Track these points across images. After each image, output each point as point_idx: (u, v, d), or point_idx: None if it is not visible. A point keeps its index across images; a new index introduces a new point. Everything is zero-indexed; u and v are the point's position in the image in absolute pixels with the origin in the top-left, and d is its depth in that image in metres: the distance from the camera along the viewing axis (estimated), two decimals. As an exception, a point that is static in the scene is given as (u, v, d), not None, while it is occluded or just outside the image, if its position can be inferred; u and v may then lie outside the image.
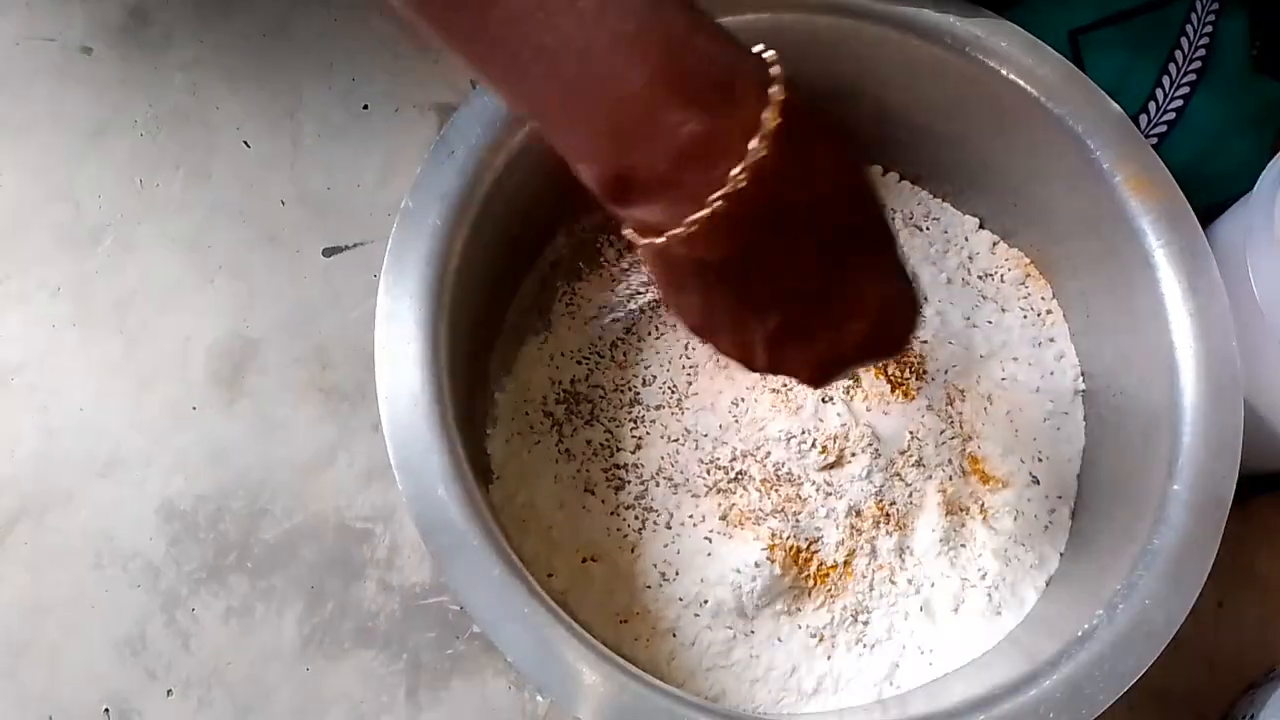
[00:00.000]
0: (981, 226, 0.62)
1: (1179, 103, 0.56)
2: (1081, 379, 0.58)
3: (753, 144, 0.30)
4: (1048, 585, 0.54)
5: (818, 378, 0.40)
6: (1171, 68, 0.56)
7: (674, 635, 0.52)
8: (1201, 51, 0.56)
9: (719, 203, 0.31)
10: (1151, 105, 0.56)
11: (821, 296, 0.36)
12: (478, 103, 0.52)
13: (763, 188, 0.31)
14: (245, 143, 0.68)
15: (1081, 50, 0.55)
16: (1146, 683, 0.58)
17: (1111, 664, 0.46)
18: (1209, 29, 0.56)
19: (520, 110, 0.34)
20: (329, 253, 0.66)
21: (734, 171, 0.30)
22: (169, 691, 0.58)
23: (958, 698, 0.48)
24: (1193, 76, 0.56)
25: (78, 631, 0.58)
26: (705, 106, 0.30)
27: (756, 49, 0.32)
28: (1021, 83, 0.54)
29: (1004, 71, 0.54)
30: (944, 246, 0.61)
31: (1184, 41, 0.56)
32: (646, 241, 0.33)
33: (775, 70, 0.32)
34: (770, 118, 0.30)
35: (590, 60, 0.30)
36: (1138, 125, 0.55)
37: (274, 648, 0.58)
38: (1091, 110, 0.53)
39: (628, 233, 0.35)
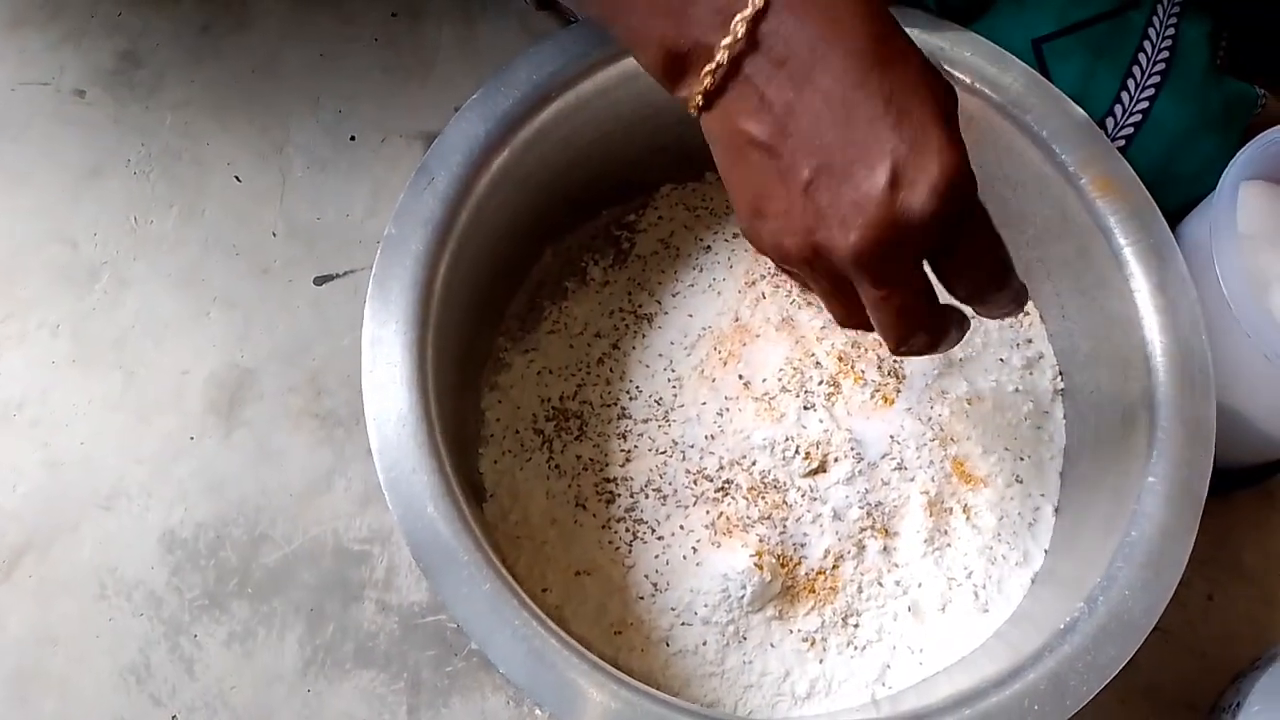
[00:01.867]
0: None
1: (1144, 105, 0.57)
2: (1060, 378, 0.59)
3: (743, 11, 0.36)
4: (1033, 582, 0.55)
5: (867, 264, 0.37)
6: (1136, 71, 0.57)
7: (667, 644, 0.53)
8: (1164, 54, 0.57)
9: (735, 48, 0.37)
10: (1117, 109, 0.57)
11: (847, 140, 0.36)
12: (457, 129, 0.53)
13: (768, 31, 0.37)
14: (236, 178, 0.70)
15: (1045, 59, 0.56)
16: (1138, 676, 0.59)
17: (1093, 656, 0.46)
18: (1171, 32, 0.57)
19: (587, 12, 0.42)
20: (320, 282, 0.67)
21: (739, 16, 0.36)
22: (174, 717, 0.59)
23: (946, 694, 0.48)
24: (1157, 79, 0.57)
25: (84, 661, 0.60)
26: (714, 19, 0.37)
27: None
28: (987, 90, 0.55)
29: (969, 80, 0.55)
30: None
31: (1146, 45, 0.57)
32: (705, 114, 0.39)
33: None
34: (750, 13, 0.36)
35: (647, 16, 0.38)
36: (1104, 130, 0.56)
37: (276, 670, 0.59)
38: (1056, 115, 0.54)
39: (692, 110, 0.40)
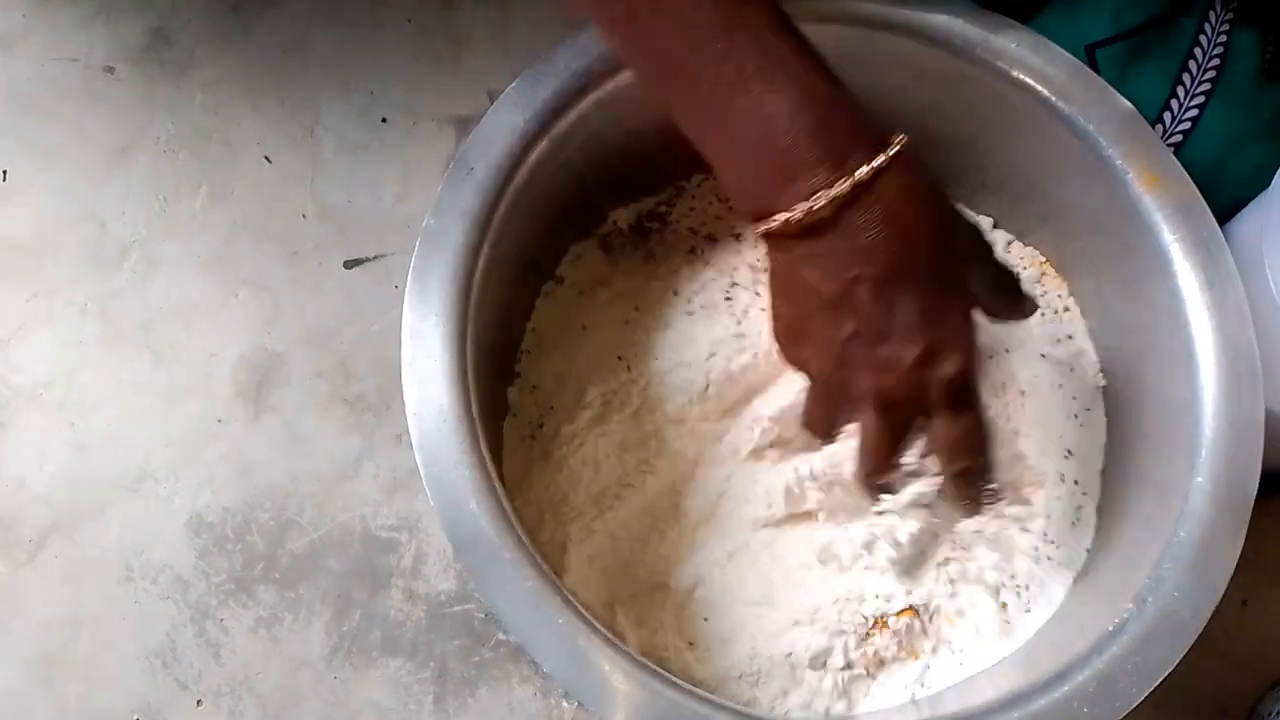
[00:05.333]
0: (995, 226, 0.62)
1: (1194, 112, 0.56)
2: (1101, 375, 0.58)
3: (861, 171, 0.41)
4: (1075, 582, 0.54)
5: (881, 408, 0.46)
6: (1186, 78, 0.57)
7: (698, 643, 0.53)
8: (1215, 61, 0.57)
9: (822, 205, 0.41)
10: (1167, 115, 0.56)
11: (885, 318, 0.44)
12: (494, 119, 0.52)
13: (850, 215, 0.41)
14: (266, 159, 0.69)
15: (1098, 64, 0.55)
16: (1172, 680, 0.58)
17: (1143, 657, 0.46)
18: (1222, 39, 0.57)
19: (702, 153, 0.45)
20: (350, 265, 0.67)
21: (834, 190, 0.41)
22: (199, 702, 0.58)
23: (990, 695, 0.48)
24: (1207, 86, 0.57)
25: (110, 643, 0.59)
26: (833, 165, 0.41)
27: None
28: (1030, 81, 0.54)
29: (1013, 72, 0.54)
30: None
31: (1197, 52, 0.57)
32: (764, 230, 0.43)
33: (896, 140, 0.42)
34: (865, 173, 0.41)
35: (759, 138, 0.42)
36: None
37: (302, 657, 0.59)
38: (1101, 107, 0.53)
39: (757, 229, 0.44)
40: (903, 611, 0.53)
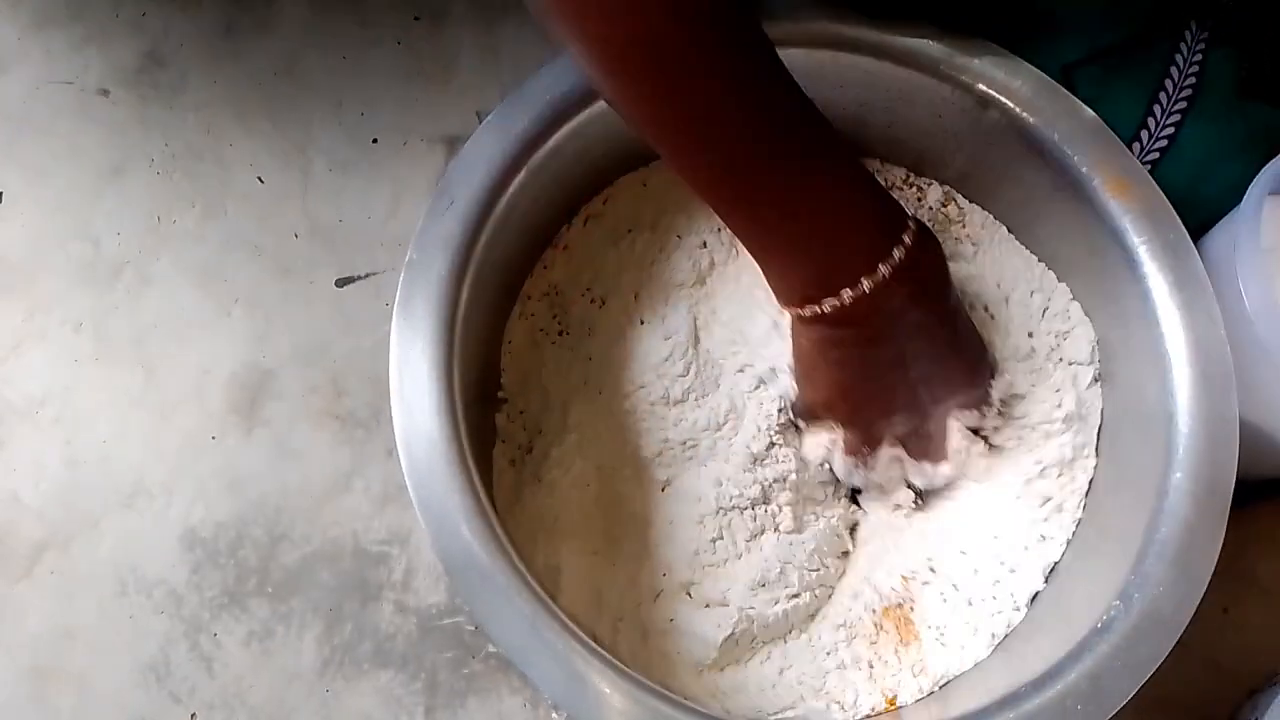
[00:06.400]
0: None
1: (1170, 130, 0.57)
2: (1098, 364, 0.59)
3: (884, 268, 0.44)
4: (1058, 582, 0.55)
5: (859, 442, 0.52)
6: (1162, 97, 0.57)
7: (679, 651, 0.53)
8: (1191, 80, 0.58)
9: (843, 308, 0.45)
10: (1144, 134, 0.57)
11: (891, 395, 0.49)
12: (473, 148, 0.53)
13: (875, 298, 0.44)
14: (258, 178, 0.70)
15: (1074, 84, 0.56)
16: (1154, 689, 0.59)
17: (1130, 654, 0.47)
18: (1198, 59, 0.58)
19: (748, 248, 0.48)
20: (341, 283, 0.67)
21: (860, 288, 0.44)
22: (193, 715, 0.59)
23: (982, 699, 0.48)
24: (1183, 105, 0.57)
25: (104, 658, 0.60)
26: (864, 268, 0.44)
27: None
28: (995, 95, 0.55)
29: (979, 86, 0.55)
30: None
31: (1174, 71, 0.58)
32: (813, 313, 0.46)
33: (914, 227, 0.46)
34: (900, 253, 0.44)
35: (799, 244, 0.45)
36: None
37: (294, 670, 0.60)
38: (1066, 117, 0.55)
39: (792, 311, 0.47)
40: (891, 610, 0.54)
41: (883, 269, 0.44)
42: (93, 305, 0.67)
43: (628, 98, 0.41)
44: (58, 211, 0.69)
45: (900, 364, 0.49)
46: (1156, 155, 0.57)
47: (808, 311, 0.46)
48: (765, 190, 0.43)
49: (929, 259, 0.47)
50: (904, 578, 0.55)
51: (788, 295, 0.47)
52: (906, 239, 0.44)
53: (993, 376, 0.53)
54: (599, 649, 0.46)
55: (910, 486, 0.56)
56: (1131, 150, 0.56)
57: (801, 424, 0.55)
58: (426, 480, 0.47)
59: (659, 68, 0.39)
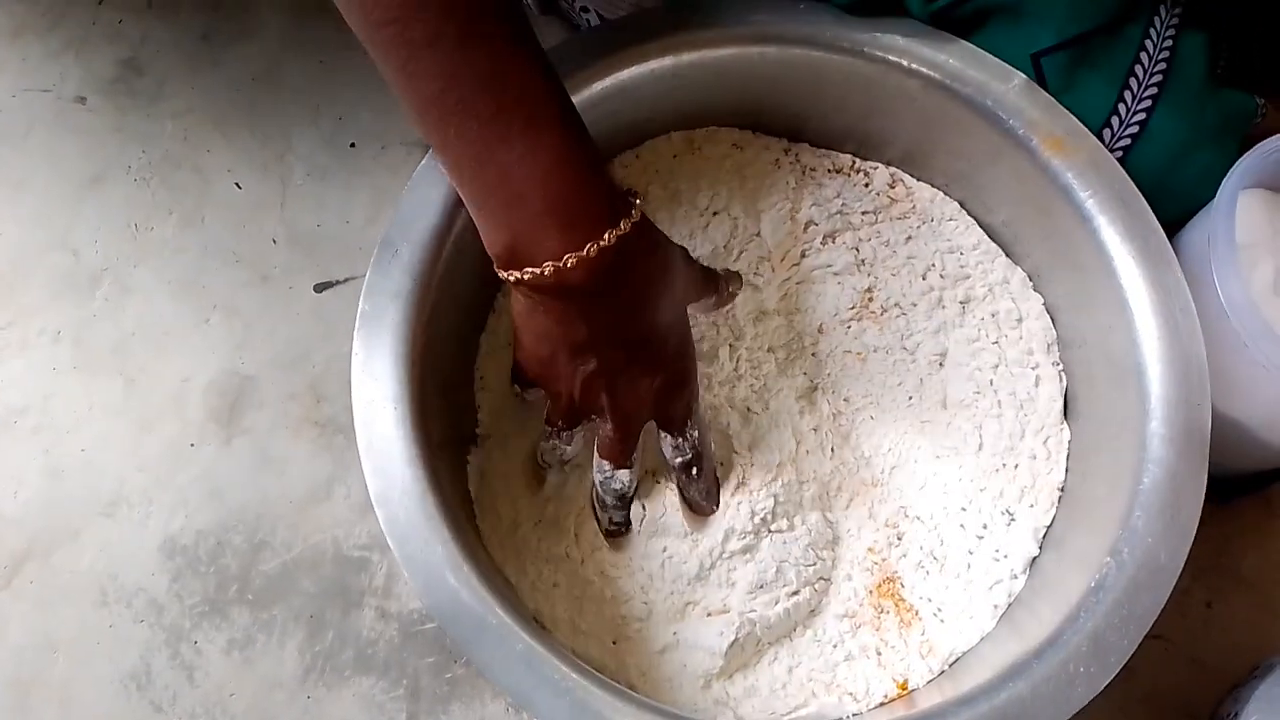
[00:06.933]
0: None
1: (1141, 117, 0.57)
2: (1054, 329, 0.59)
3: (607, 237, 0.44)
4: (1049, 546, 0.55)
5: (619, 423, 0.51)
6: (1133, 83, 0.57)
7: (666, 653, 0.53)
8: (1162, 66, 0.57)
9: (572, 265, 0.44)
10: (1114, 120, 0.57)
11: (625, 357, 0.49)
12: (413, 198, 0.53)
13: (592, 269, 0.44)
14: (236, 185, 0.70)
15: (1044, 73, 0.56)
16: (1137, 683, 0.59)
17: (1129, 609, 0.47)
18: (1168, 44, 0.57)
19: (462, 196, 0.47)
20: (320, 289, 0.67)
21: (583, 253, 0.44)
22: (175, 724, 0.59)
23: (986, 673, 0.48)
24: (1154, 91, 0.57)
25: (85, 668, 0.60)
26: (572, 233, 0.44)
27: (626, 189, 0.47)
28: (924, 70, 0.55)
29: (905, 63, 0.55)
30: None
31: (1144, 57, 0.57)
32: (514, 279, 0.46)
33: (635, 203, 0.46)
34: (610, 237, 0.44)
35: (518, 195, 0.45)
36: (1101, 140, 0.56)
37: (276, 677, 0.60)
38: (995, 83, 0.55)
39: (506, 276, 0.46)
40: (882, 586, 0.54)
41: (589, 249, 0.44)
42: (72, 314, 0.67)
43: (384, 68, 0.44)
44: (36, 221, 0.69)
45: (589, 350, 0.48)
46: (1128, 141, 0.57)
47: (510, 275, 0.46)
48: (479, 166, 0.45)
49: (639, 246, 0.46)
50: (869, 549, 0.55)
51: (495, 251, 0.47)
52: (608, 238, 0.44)
53: (690, 414, 0.53)
54: (599, 675, 0.46)
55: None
56: (1102, 138, 0.56)
57: (517, 388, 0.54)
58: (406, 534, 0.47)
59: (408, 45, 0.43)
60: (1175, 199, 0.56)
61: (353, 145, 0.71)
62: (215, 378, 0.65)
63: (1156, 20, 0.57)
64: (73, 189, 0.70)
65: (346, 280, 0.67)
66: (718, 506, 0.55)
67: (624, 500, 0.54)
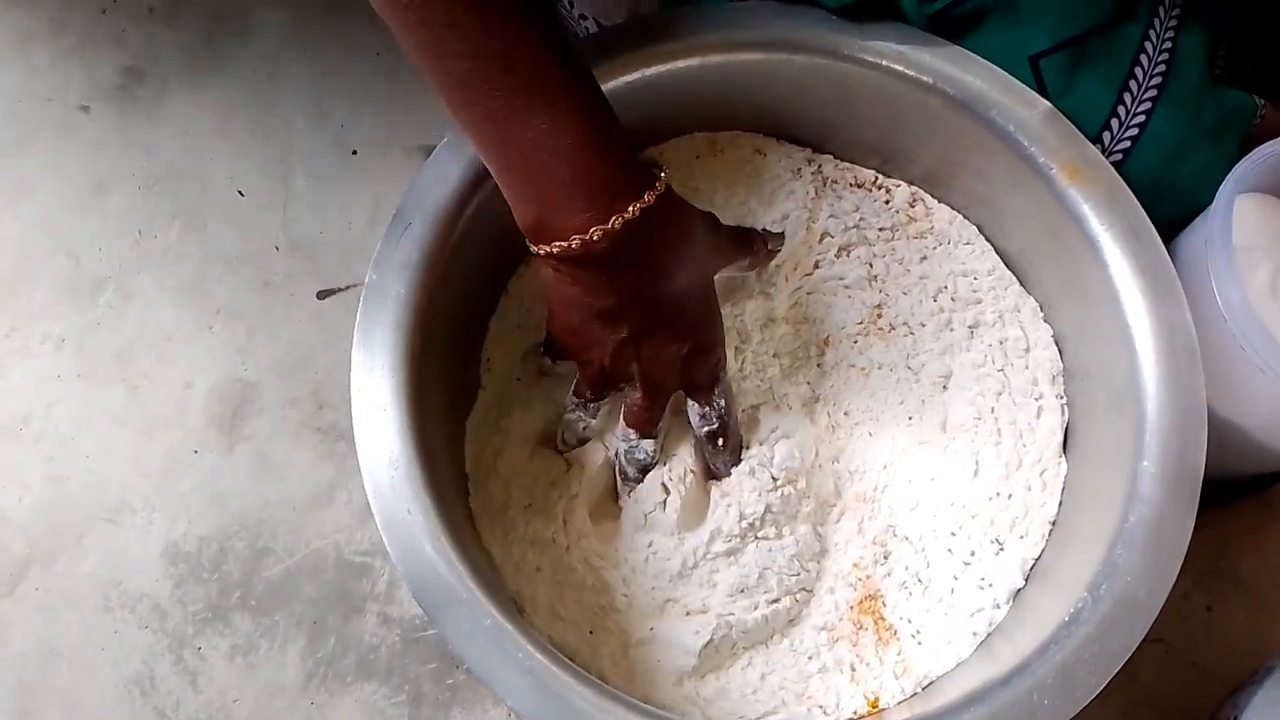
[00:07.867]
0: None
1: (1141, 118, 0.57)
2: (1061, 360, 0.59)
3: (632, 209, 0.46)
4: (1031, 576, 0.55)
5: (647, 390, 0.52)
6: (1132, 84, 0.57)
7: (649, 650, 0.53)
8: (1161, 66, 0.57)
9: (599, 238, 0.46)
10: (1114, 122, 0.57)
11: (651, 322, 0.50)
12: (430, 173, 0.53)
13: (616, 240, 0.46)
14: (239, 191, 0.70)
15: (1042, 74, 0.56)
16: (1137, 687, 0.60)
17: (1100, 645, 0.46)
18: (1168, 44, 0.57)
19: (492, 172, 0.48)
20: (322, 295, 0.68)
21: (609, 225, 0.46)
22: (178, 729, 0.59)
23: (952, 694, 0.48)
24: (1154, 92, 0.57)
25: (89, 673, 0.60)
26: (597, 207, 0.46)
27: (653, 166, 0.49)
28: (948, 90, 0.55)
29: (929, 80, 0.55)
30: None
31: (1143, 58, 0.57)
32: (544, 252, 0.47)
33: (660, 175, 0.47)
34: (634, 210, 0.46)
35: (543, 169, 0.46)
36: (1100, 143, 0.56)
37: (278, 683, 0.60)
38: (1019, 108, 0.55)
39: (535, 248, 0.48)
40: (864, 602, 0.54)
41: (614, 222, 0.45)
42: (75, 321, 0.67)
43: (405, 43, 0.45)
44: (39, 228, 0.69)
45: (618, 316, 0.50)
46: (1128, 143, 0.57)
47: (541, 249, 0.47)
48: (505, 144, 0.46)
49: (663, 218, 0.48)
50: (854, 564, 0.55)
51: (524, 224, 0.48)
52: (632, 210, 0.46)
53: (716, 382, 0.54)
54: (565, 660, 0.46)
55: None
56: (1102, 140, 0.56)
57: (548, 362, 0.55)
58: (389, 501, 0.48)
59: (430, 27, 0.43)
60: (1175, 198, 0.56)
61: (354, 151, 0.71)
62: (218, 384, 0.66)
63: (1156, 20, 0.57)
64: (76, 196, 0.70)
65: (349, 287, 0.68)
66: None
67: (646, 472, 0.55)
